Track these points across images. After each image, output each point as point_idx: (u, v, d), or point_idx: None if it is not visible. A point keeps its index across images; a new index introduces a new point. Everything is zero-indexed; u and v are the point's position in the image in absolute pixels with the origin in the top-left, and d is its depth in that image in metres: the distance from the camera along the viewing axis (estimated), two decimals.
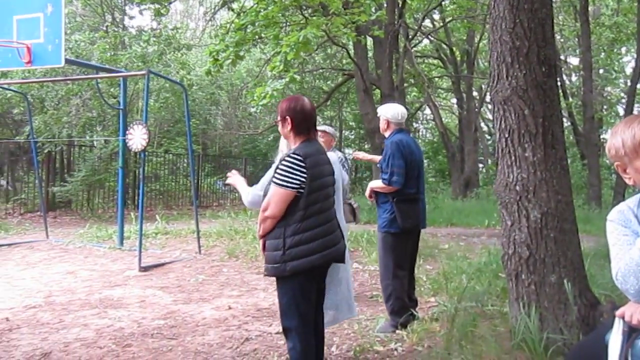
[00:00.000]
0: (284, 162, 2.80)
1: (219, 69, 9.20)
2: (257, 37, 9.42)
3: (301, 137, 2.94)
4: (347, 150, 23.51)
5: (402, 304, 4.33)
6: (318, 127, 5.37)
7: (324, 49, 16.35)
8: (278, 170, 2.80)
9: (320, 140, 5.21)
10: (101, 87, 11.06)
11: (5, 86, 10.85)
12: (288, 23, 10.74)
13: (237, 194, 19.28)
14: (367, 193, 4.62)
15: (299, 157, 2.79)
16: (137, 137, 7.18)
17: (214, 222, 11.69)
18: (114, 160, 13.96)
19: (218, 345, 4.20)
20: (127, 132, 7.42)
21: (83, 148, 15.15)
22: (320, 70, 18.93)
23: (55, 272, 7.00)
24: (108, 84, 12.58)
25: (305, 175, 2.78)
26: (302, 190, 2.80)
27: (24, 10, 7.75)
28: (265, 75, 15.93)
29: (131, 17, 16.41)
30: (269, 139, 21.36)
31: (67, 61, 8.19)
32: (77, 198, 14.48)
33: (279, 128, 2.99)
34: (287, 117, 2.93)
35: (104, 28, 13.97)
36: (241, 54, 8.82)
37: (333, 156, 5.20)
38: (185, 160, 17.88)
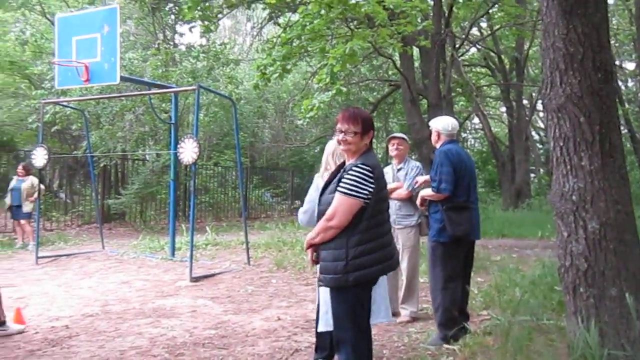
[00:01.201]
0: (353, 173, 2.76)
1: (266, 83, 9.34)
2: (303, 50, 9.52)
3: (366, 149, 2.93)
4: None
5: (450, 316, 4.24)
6: (397, 135, 5.34)
7: (369, 60, 16.37)
8: (346, 181, 2.76)
9: (399, 148, 5.20)
10: (153, 103, 11.41)
11: (65, 103, 11.35)
12: (334, 36, 10.82)
13: (284, 206, 19.51)
14: (418, 202, 4.59)
15: (368, 168, 2.77)
16: (188, 151, 7.36)
17: (262, 233, 11.82)
18: (165, 173, 14.34)
19: (268, 356, 4.23)
20: (179, 145, 7.61)
21: (136, 162, 15.64)
22: (366, 82, 18.95)
23: (110, 282, 7.22)
24: (160, 100, 12.97)
25: (373, 186, 2.77)
26: (368, 201, 2.78)
27: (82, 31, 8.13)
28: (312, 87, 16.07)
29: (181, 35, 16.92)
30: (316, 150, 21.50)
31: (122, 78, 8.51)
32: (130, 210, 14.94)
33: (351, 140, 2.87)
34: (372, 130, 2.94)
35: (156, 46, 14.41)
36: (288, 67, 8.94)
37: (412, 165, 5.18)
38: (234, 173, 18.19)
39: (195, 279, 7.15)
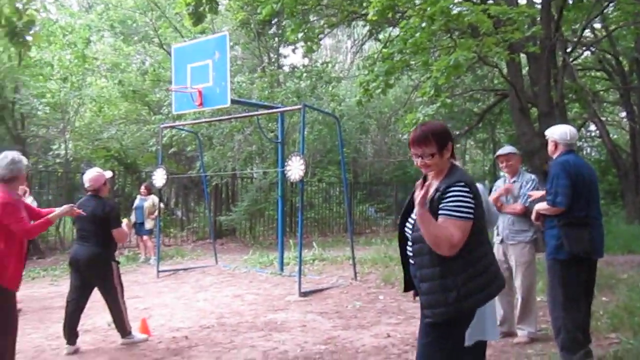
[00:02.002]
0: (456, 193, 2.49)
1: (369, 99, 9.38)
2: (405, 64, 9.47)
3: (450, 165, 2.66)
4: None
5: (573, 338, 3.93)
6: (503, 153, 5.04)
7: (473, 70, 15.92)
8: (454, 203, 2.48)
9: (509, 165, 4.97)
10: (261, 123, 11.88)
11: (181, 127, 12.14)
12: (436, 48, 10.66)
13: (389, 221, 19.37)
14: (533, 217, 4.34)
15: (466, 187, 2.52)
16: (295, 168, 7.56)
17: (368, 248, 11.81)
18: (272, 190, 14.83)
19: None
20: (286, 163, 7.84)
21: (245, 180, 16.32)
22: (471, 92, 18.43)
23: (224, 295, 7.55)
24: (266, 120, 13.47)
25: (473, 204, 2.52)
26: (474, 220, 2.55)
27: (196, 59, 8.67)
28: (414, 101, 15.91)
29: (285, 56, 17.48)
30: None
31: (232, 101, 8.95)
32: (240, 226, 15.58)
33: (430, 162, 2.59)
34: (450, 141, 2.64)
35: (261, 68, 15.04)
36: (390, 82, 8.92)
37: (527, 178, 4.91)
38: (338, 189, 18.40)
39: (304, 294, 7.28)
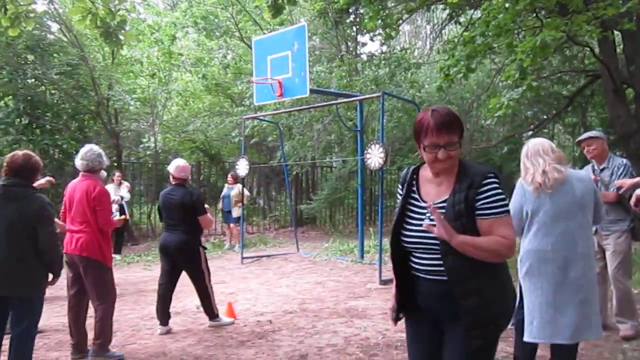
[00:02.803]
0: (494, 186, 2.15)
1: (450, 84, 9.14)
2: (488, 47, 9.13)
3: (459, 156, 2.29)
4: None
5: None
6: (583, 138, 4.78)
7: (561, 51, 15.08)
8: (495, 197, 2.13)
9: (591, 150, 4.68)
10: (339, 112, 11.91)
11: (262, 118, 12.42)
12: (521, 28, 10.19)
13: None
14: (632, 201, 4.07)
15: (497, 175, 2.24)
16: (375, 156, 7.54)
17: None
18: (352, 179, 14.87)
19: None
20: (365, 152, 7.84)
21: (324, 169, 16.46)
22: (559, 74, 17.49)
23: (306, 282, 7.69)
24: (345, 108, 13.49)
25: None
26: None
27: (275, 50, 8.83)
28: (497, 85, 15.33)
29: (363, 45, 17.37)
30: (503, 151, 20.44)
31: (311, 91, 9.04)
32: (320, 214, 15.77)
33: (455, 154, 2.19)
34: (462, 133, 2.27)
35: (339, 57, 15.04)
36: (472, 66, 8.63)
37: (617, 162, 4.61)
38: None
39: (385, 282, 7.27)
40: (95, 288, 4.37)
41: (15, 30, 5.07)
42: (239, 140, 14.57)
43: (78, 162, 4.53)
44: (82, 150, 4.58)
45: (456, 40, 11.59)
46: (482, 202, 2.13)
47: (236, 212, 11.30)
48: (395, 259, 2.36)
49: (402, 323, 2.49)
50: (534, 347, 3.49)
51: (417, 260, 2.26)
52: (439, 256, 2.15)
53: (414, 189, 2.33)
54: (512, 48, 7.88)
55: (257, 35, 13.10)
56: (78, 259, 4.34)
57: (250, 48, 14.18)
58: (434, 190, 2.27)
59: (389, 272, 7.84)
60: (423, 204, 2.24)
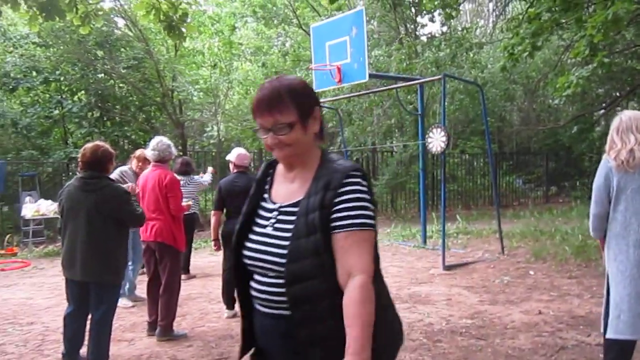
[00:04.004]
0: (358, 188, 1.55)
1: (514, 64, 8.82)
2: (555, 23, 8.73)
3: (320, 145, 1.72)
4: None
5: None
6: None
7: (637, 23, 14.20)
8: (357, 203, 1.53)
9: None
10: (399, 95, 11.76)
11: (321, 104, 12.45)
12: (591, 2, 9.68)
13: (539, 192, 18.26)
14: None
15: (365, 176, 1.61)
16: (437, 140, 7.41)
17: (516, 222, 11.27)
18: (413, 163, 14.70)
19: (530, 351, 4.03)
20: (427, 135, 7.71)
21: (385, 154, 16.36)
22: (634, 48, 16.49)
23: None
24: (405, 92, 13.30)
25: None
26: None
27: (333, 36, 8.79)
28: (565, 62, 14.66)
29: (423, 26, 17.00)
30: (573, 131, 19.60)
31: (370, 75, 8.95)
32: (382, 200, 15.69)
33: (287, 139, 1.60)
34: (317, 105, 1.70)
35: (398, 40, 14.82)
36: (539, 44, 8.27)
37: None
38: (481, 160, 17.69)
39: (448, 267, 7.18)
40: (166, 272, 4.64)
41: (86, 28, 5.32)
42: None
43: (149, 152, 4.76)
44: (153, 142, 4.80)
45: (521, 17, 11.13)
46: (339, 208, 1.52)
47: None
48: (237, 280, 1.74)
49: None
50: (626, 348, 3.12)
51: (254, 285, 1.66)
52: (281, 281, 1.55)
53: (267, 187, 1.77)
54: (582, 23, 7.51)
55: (314, 22, 13.11)
56: (153, 245, 4.64)
57: (309, 35, 14.21)
58: (284, 190, 1.70)
59: (452, 258, 7.78)
60: (271, 206, 1.69)
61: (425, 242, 9.23)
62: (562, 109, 20.24)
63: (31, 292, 6.83)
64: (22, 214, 10.04)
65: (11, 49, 13.46)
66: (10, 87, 13.30)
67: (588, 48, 6.93)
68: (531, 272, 6.75)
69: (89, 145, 3.97)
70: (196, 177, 8.29)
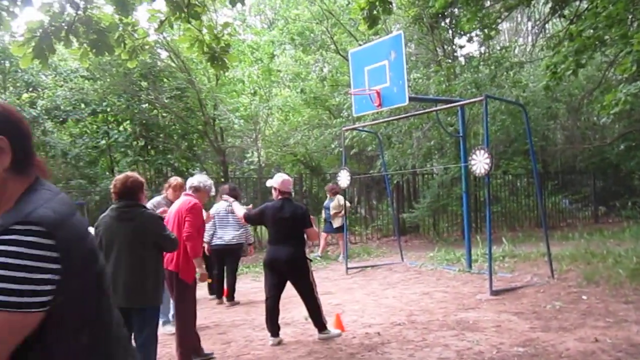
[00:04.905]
0: (11, 250, 1.15)
1: (558, 82, 8.66)
2: (598, 40, 8.55)
3: (17, 184, 1.31)
4: None
5: None
6: None
7: None
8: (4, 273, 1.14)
9: None
10: (439, 117, 11.66)
11: (360, 128, 12.45)
12: (636, 17, 9.45)
13: (587, 212, 17.67)
14: None
15: (42, 231, 1.18)
16: (480, 162, 7.28)
17: (565, 244, 10.92)
18: (454, 185, 14.49)
19: None
20: (470, 157, 7.59)
21: (425, 176, 16.20)
22: None
23: (412, 293, 7.57)
24: (445, 114, 13.20)
25: (51, 272, 1.19)
26: (50, 305, 1.21)
27: (372, 60, 8.84)
28: (610, 79, 14.30)
29: (461, 47, 16.91)
30: (620, 148, 18.99)
31: (410, 99, 8.93)
32: (423, 223, 15.49)
33: None
34: (14, 137, 1.30)
35: (437, 62, 14.77)
36: (582, 62, 8.12)
37: None
38: (525, 180, 17.30)
39: (496, 292, 6.98)
40: (175, 300, 4.82)
41: (133, 62, 5.51)
42: (338, 151, 14.72)
43: (195, 181, 4.90)
44: (202, 176, 5.05)
45: (561, 34, 10.97)
46: None
47: (337, 222, 11.38)
48: None
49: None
50: None
51: None
52: None
53: None
54: (627, 39, 7.33)
55: (352, 47, 13.22)
56: (167, 272, 4.64)
57: (346, 59, 14.32)
58: None
59: (499, 282, 7.57)
60: None
61: (470, 266, 9.02)
62: (608, 126, 19.67)
63: None
64: None
65: (62, 82, 14.07)
66: (61, 119, 13.89)
67: (635, 64, 6.75)
68: (584, 297, 6.49)
69: (119, 176, 4.10)
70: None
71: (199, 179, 4.97)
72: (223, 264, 7.68)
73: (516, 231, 15.19)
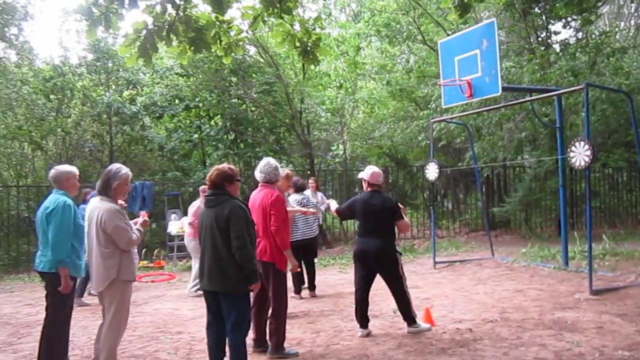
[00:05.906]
0: None
1: None
2: None
3: None
4: None
5: None
6: None
7: None
8: None
9: None
10: (534, 108, 11.15)
11: (450, 120, 12.15)
12: None
13: None
14: None
15: None
16: (581, 154, 6.88)
17: None
18: (548, 179, 13.83)
19: None
20: (569, 149, 7.19)
21: (516, 169, 15.57)
22: None
23: (504, 289, 7.33)
24: (539, 104, 12.60)
25: None
26: None
27: (463, 50, 8.61)
28: None
29: (556, 33, 16.01)
30: None
31: (503, 89, 8.62)
32: (514, 217, 14.92)
33: None
34: None
35: (530, 50, 14.09)
36: None
37: None
38: (627, 174, 16.19)
39: (596, 292, 6.61)
40: (270, 291, 4.83)
41: (228, 58, 5.70)
42: (425, 144, 14.47)
43: (257, 174, 5.00)
44: (261, 164, 5.06)
45: None
46: None
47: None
48: None
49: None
50: None
51: None
52: None
53: None
54: None
55: (440, 37, 12.90)
56: (262, 265, 4.73)
57: (433, 50, 14.01)
58: None
59: (600, 281, 7.17)
60: None
61: (567, 263, 8.59)
62: None
63: (177, 303, 7.38)
64: (168, 230, 10.92)
65: (158, 80, 14.84)
66: (157, 114, 14.66)
67: None
68: None
69: (217, 166, 4.25)
70: (312, 199, 8.33)
71: (263, 170, 4.97)
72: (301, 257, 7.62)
73: (617, 228, 14.28)
